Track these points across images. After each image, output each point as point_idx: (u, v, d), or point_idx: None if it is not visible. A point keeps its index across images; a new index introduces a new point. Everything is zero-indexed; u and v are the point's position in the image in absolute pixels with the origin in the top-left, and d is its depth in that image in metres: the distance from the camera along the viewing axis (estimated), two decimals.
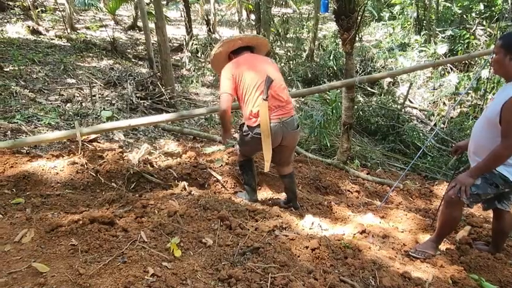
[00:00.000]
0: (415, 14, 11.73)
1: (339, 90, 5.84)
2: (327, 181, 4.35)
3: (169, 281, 1.81)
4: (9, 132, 4.80)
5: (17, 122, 5.22)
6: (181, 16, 15.91)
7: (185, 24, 11.26)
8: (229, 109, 2.96)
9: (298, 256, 2.26)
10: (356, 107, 6.00)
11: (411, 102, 9.36)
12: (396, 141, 6.98)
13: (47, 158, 3.76)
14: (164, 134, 5.95)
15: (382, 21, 13.56)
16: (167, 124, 5.88)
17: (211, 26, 12.33)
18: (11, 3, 13.83)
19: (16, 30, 11.97)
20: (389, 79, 9.80)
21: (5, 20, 12.78)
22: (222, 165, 3.99)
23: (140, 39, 13.52)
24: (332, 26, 16.65)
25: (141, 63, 10.91)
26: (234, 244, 2.21)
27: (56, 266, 1.90)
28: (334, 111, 6.05)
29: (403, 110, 8.27)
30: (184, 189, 3.29)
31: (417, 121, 8.78)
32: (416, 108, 9.23)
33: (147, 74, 8.44)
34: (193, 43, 10.72)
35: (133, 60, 10.98)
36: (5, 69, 8.06)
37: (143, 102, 6.49)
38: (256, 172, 3.52)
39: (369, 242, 2.70)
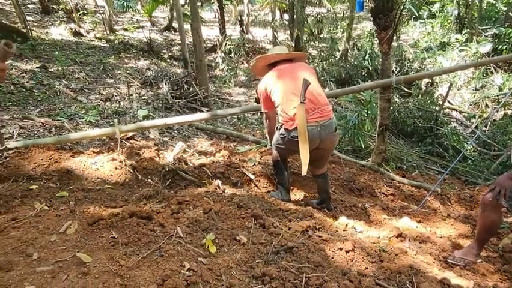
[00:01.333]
0: (456, 12, 11.29)
1: (373, 91, 5.72)
2: (361, 183, 4.27)
3: (205, 276, 1.84)
4: (53, 129, 5.06)
5: (61, 120, 5.48)
6: (215, 17, 16.14)
7: (219, 25, 11.42)
8: (274, 125, 3.27)
9: (332, 257, 2.23)
10: (392, 108, 5.85)
11: (450, 103, 9.00)
12: (434, 143, 6.74)
13: (88, 154, 3.92)
14: (198, 133, 6.06)
15: (420, 20, 13.14)
16: (201, 123, 5.99)
17: (244, 27, 12.42)
18: (55, 6, 14.52)
19: (59, 32, 12.56)
20: (427, 80, 9.49)
21: (50, 23, 13.43)
22: (254, 164, 4.01)
23: (175, 40, 13.83)
24: (367, 25, 16.34)
25: (176, 63, 11.17)
26: (268, 243, 2.21)
27: (98, 257, 1.98)
28: (369, 112, 5.93)
29: (442, 111, 7.97)
30: (217, 187, 3.34)
31: (456, 123, 8.44)
32: (456, 110, 8.86)
33: (182, 74, 8.62)
34: (226, 43, 10.84)
35: (168, 60, 11.26)
36: (50, 70, 8.49)
37: (178, 102, 6.64)
38: (290, 172, 3.51)
39: (405, 246, 2.63)
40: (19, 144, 3.88)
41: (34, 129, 4.92)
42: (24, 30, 10.58)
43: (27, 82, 7.20)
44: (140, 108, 6.43)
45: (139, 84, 7.74)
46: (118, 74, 9.23)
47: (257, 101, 4.44)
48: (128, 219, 2.33)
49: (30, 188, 2.99)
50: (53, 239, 2.16)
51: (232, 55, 11.29)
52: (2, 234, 2.23)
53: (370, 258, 2.30)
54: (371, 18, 4.55)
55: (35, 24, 12.43)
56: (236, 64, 10.74)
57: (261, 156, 4.24)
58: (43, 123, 5.10)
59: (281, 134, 3.02)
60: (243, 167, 3.96)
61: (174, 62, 11.17)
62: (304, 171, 2.90)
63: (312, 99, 2.86)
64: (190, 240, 2.21)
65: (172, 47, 12.92)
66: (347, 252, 2.28)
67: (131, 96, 7.01)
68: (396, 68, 10.35)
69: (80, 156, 3.85)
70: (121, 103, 6.82)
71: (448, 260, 2.63)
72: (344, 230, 2.75)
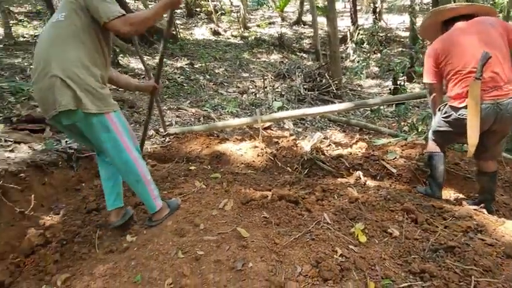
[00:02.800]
0: None
1: None
2: None
3: (358, 263, 1.83)
4: (201, 118, 5.66)
5: (207, 110, 6.09)
6: (344, 7, 15.74)
7: (351, 14, 11.09)
8: (438, 97, 2.75)
9: (501, 264, 1.97)
10: None
11: None
12: None
13: (233, 141, 4.27)
14: (331, 124, 6.04)
15: None
16: (333, 115, 5.94)
17: (377, 14, 11.79)
18: (198, 9, 16.12)
19: (201, 32, 13.91)
20: None
21: (193, 24, 14.98)
22: (395, 157, 3.79)
23: (305, 33, 13.98)
24: None
25: (305, 56, 11.31)
26: (423, 239, 2.08)
27: (253, 234, 2.14)
28: None
29: None
30: (358, 178, 3.27)
31: None
32: None
33: (314, 66, 8.67)
34: (358, 33, 10.47)
35: (298, 53, 11.46)
36: (195, 66, 9.49)
37: (311, 94, 6.71)
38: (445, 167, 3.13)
39: None
40: (177, 131, 4.46)
41: (186, 118, 5.58)
42: (174, 33, 12.02)
43: (178, 77, 8.21)
44: (275, 100, 6.71)
45: (273, 77, 8.07)
46: (253, 69, 9.81)
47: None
48: (278, 202, 2.46)
49: (190, 168, 3.40)
50: (214, 213, 2.42)
51: (364, 45, 10.86)
52: None
53: None
54: None
55: (182, 26, 14.01)
56: (368, 55, 10.30)
57: (403, 150, 3.98)
58: (193, 113, 5.76)
59: (444, 113, 2.61)
60: (383, 159, 3.79)
61: (304, 54, 11.31)
62: (470, 152, 2.49)
63: (492, 76, 2.37)
64: (338, 227, 2.22)
65: (301, 40, 13.10)
66: None
67: (265, 89, 7.36)
68: None
69: (226, 143, 4.22)
70: (257, 95, 7.22)
71: None
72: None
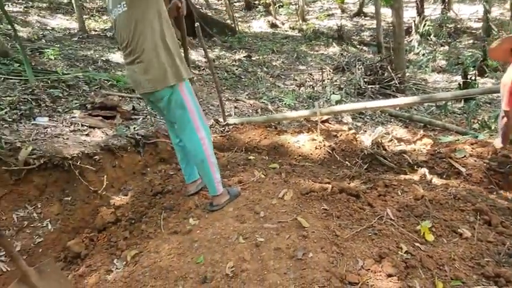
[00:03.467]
0: None
1: None
2: None
3: (425, 262, 1.75)
4: (259, 110, 5.71)
5: (264, 102, 6.14)
6: None
7: (417, 4, 10.50)
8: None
9: None
10: None
11: None
12: None
13: (291, 133, 4.26)
14: (392, 119, 5.80)
15: None
16: (395, 110, 5.70)
17: (446, 4, 11.04)
18: (256, 2, 16.23)
19: (259, 25, 13.99)
20: None
21: (251, 17, 15.10)
22: (465, 156, 3.56)
23: (365, 25, 13.51)
24: None
25: (366, 48, 10.92)
26: (498, 242, 1.93)
27: (314, 224, 2.13)
28: None
29: None
30: (423, 176, 3.11)
31: None
32: None
33: (375, 59, 8.37)
34: (424, 24, 9.89)
35: (358, 46, 11.10)
36: (253, 58, 9.58)
37: (371, 87, 6.48)
38: None
39: None
40: (237, 121, 4.54)
41: (244, 109, 5.67)
42: (233, 25, 12.21)
43: (236, 69, 8.34)
44: (333, 93, 6.58)
45: (331, 70, 7.91)
46: (310, 61, 9.69)
47: None
48: (339, 195, 2.42)
49: (249, 158, 3.45)
50: (274, 202, 2.44)
51: (430, 37, 10.24)
52: None
53: None
54: None
55: (240, 19, 14.19)
56: (434, 47, 9.69)
57: (472, 149, 3.72)
58: (251, 105, 5.83)
59: None
60: (450, 158, 3.57)
61: (364, 47, 10.94)
62: None
63: None
64: (403, 224, 2.14)
65: (362, 32, 12.68)
66: None
67: (323, 82, 7.24)
68: None
69: (284, 134, 4.22)
70: (314, 88, 7.13)
71: None
72: None
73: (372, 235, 1.99)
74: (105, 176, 3.11)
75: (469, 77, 6.41)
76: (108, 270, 2.10)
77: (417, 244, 1.91)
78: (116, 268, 2.11)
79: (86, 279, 2.09)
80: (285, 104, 6.13)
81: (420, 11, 10.37)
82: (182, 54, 2.40)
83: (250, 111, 5.60)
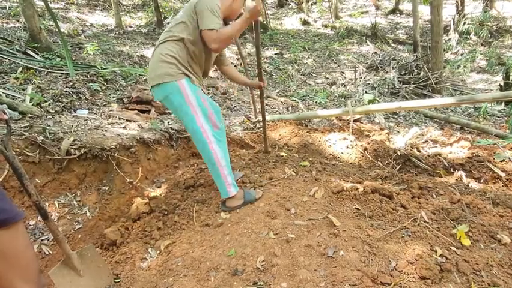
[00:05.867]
0: None
1: None
2: None
3: (461, 266, 1.71)
4: (290, 107, 5.70)
5: (295, 100, 6.11)
6: None
7: (456, 2, 10.09)
8: None
9: None
10: None
11: None
12: None
13: (322, 132, 4.23)
14: (427, 120, 5.64)
15: None
16: (430, 111, 5.53)
17: (488, 2, 10.57)
18: None
19: (291, 22, 13.91)
20: None
21: (283, 15, 15.04)
22: (504, 160, 3.42)
23: (401, 23, 13.15)
24: None
25: (400, 47, 10.64)
26: None
27: (345, 223, 2.12)
28: None
29: None
30: (460, 179, 3.02)
31: None
32: None
33: (410, 58, 8.15)
34: (464, 23, 9.51)
35: (393, 44, 10.83)
36: (284, 56, 9.55)
37: (406, 87, 6.32)
38: None
39: None
40: (268, 118, 4.55)
41: (275, 106, 5.67)
42: (265, 22, 12.21)
43: (267, 67, 8.35)
44: (366, 92, 6.47)
45: (364, 69, 7.76)
46: (342, 60, 9.55)
47: None
48: (371, 195, 2.39)
49: (281, 155, 3.46)
50: (305, 199, 2.44)
51: (469, 36, 9.85)
52: (264, 189, 2.70)
53: None
54: None
55: (272, 16, 14.16)
56: (474, 47, 9.30)
57: None
58: (282, 102, 5.82)
59: None
60: (489, 161, 3.44)
61: (399, 46, 10.66)
62: None
63: None
64: (437, 227, 2.09)
65: (396, 30, 12.36)
66: None
67: (356, 81, 7.13)
68: None
69: (315, 132, 4.20)
70: (346, 87, 7.03)
71: None
72: None
73: (405, 236, 1.96)
74: (140, 168, 3.22)
75: (511, 78, 6.12)
76: (142, 258, 2.18)
77: (452, 248, 1.86)
78: (151, 256, 2.19)
79: (121, 265, 2.17)
80: (316, 102, 6.09)
81: (460, 9, 9.97)
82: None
83: (281, 108, 5.60)
